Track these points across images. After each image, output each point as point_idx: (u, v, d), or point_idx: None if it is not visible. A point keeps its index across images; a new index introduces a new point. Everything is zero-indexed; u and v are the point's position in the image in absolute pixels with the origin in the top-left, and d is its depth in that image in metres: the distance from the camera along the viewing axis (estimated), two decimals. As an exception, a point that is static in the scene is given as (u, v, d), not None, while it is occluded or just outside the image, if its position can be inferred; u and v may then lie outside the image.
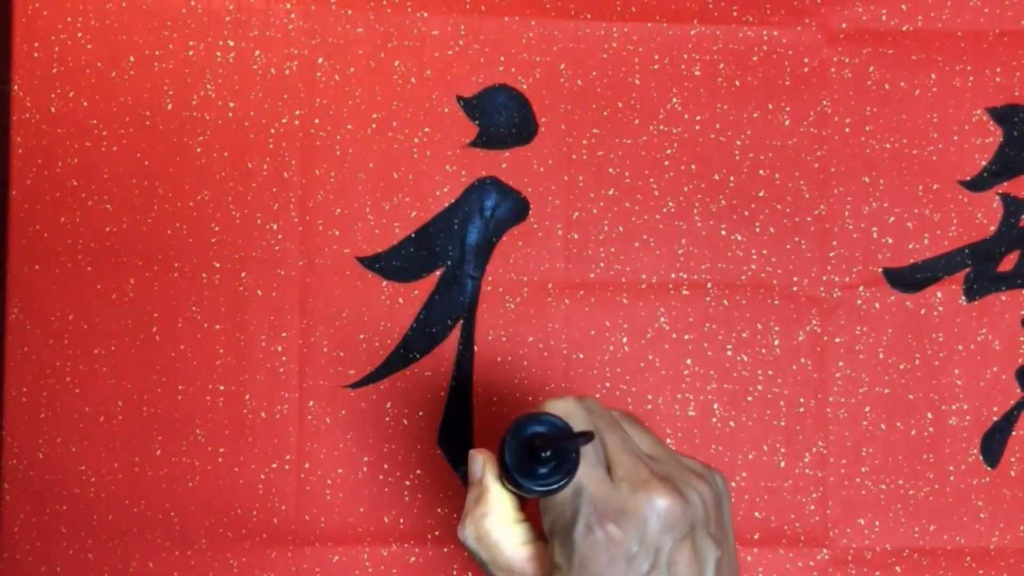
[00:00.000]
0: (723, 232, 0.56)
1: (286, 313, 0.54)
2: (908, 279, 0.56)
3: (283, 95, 0.55)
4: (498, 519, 0.38)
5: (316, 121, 0.55)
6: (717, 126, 0.56)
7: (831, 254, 0.56)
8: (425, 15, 0.55)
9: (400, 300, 0.55)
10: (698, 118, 0.56)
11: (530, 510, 0.39)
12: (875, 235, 0.56)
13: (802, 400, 0.55)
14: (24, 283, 0.54)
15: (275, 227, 0.55)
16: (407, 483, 0.55)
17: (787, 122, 0.56)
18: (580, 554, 0.35)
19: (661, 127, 0.56)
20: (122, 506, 0.54)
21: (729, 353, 0.55)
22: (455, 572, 0.55)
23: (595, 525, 0.35)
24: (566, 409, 0.37)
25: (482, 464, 0.39)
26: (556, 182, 0.55)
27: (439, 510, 0.55)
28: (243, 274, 0.54)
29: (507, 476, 0.35)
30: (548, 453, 0.34)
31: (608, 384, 0.55)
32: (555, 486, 0.34)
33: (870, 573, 0.55)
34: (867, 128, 0.56)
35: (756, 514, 0.55)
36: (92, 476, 0.54)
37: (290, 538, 0.54)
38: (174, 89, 0.54)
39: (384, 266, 0.55)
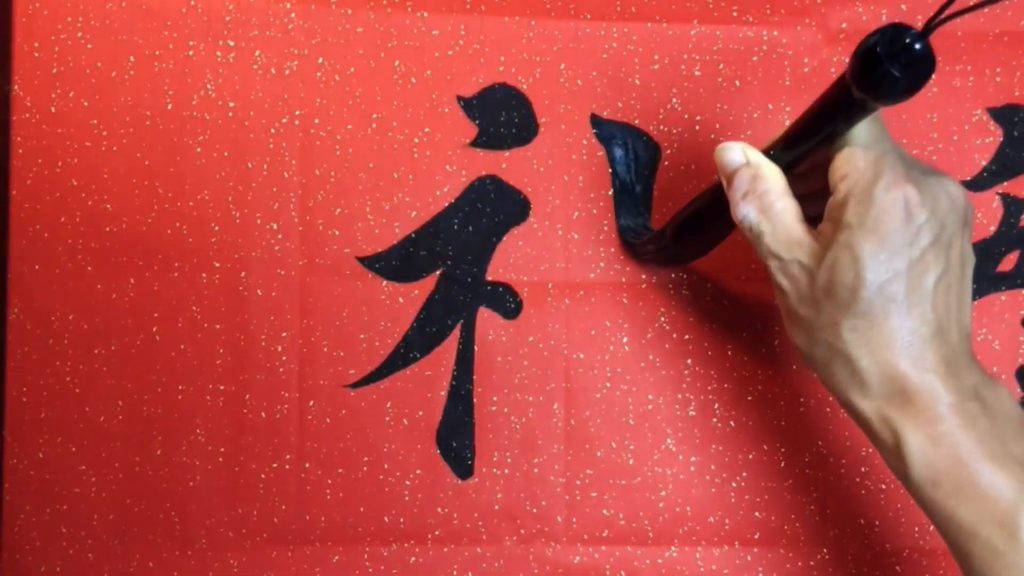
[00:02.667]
0: (723, 232, 0.56)
1: (286, 313, 0.54)
2: (908, 279, 0.56)
3: (283, 95, 0.55)
4: (779, 192, 0.40)
5: (316, 121, 0.55)
6: (717, 126, 0.56)
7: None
8: (425, 15, 0.55)
9: (400, 300, 0.55)
10: (698, 118, 0.56)
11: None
12: (875, 235, 0.56)
13: (802, 400, 0.55)
14: (24, 283, 0.54)
15: (275, 227, 0.55)
16: (407, 483, 0.55)
17: (787, 122, 0.56)
18: (878, 209, 0.36)
19: (661, 127, 0.56)
20: (122, 506, 0.54)
21: (729, 353, 0.55)
22: (455, 572, 0.55)
23: (895, 186, 0.36)
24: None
25: (742, 149, 0.42)
26: (556, 182, 0.55)
27: (439, 510, 0.55)
28: (243, 274, 0.54)
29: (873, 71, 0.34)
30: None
31: (608, 384, 0.55)
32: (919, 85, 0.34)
33: (870, 573, 0.55)
34: (867, 128, 0.56)
35: (756, 514, 0.55)
36: (92, 476, 0.54)
37: (290, 538, 0.54)
38: (174, 89, 0.54)
39: (384, 266, 0.55)
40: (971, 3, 0.35)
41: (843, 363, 0.39)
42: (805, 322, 0.40)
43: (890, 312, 0.37)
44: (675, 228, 0.49)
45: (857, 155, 0.38)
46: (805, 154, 0.41)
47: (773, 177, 0.41)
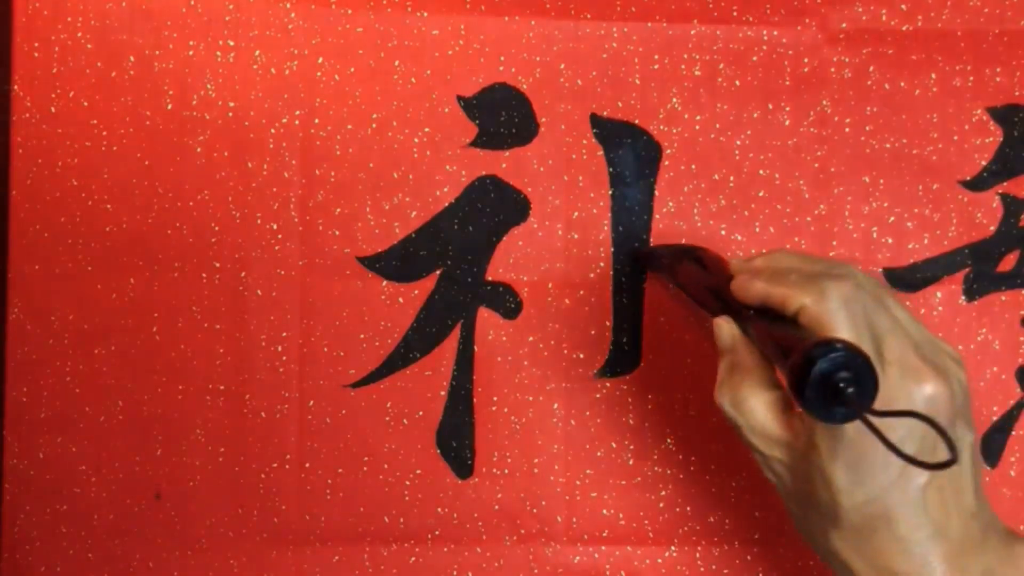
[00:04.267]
0: (723, 232, 0.56)
1: (286, 313, 0.54)
2: (908, 279, 0.56)
3: (283, 95, 0.55)
4: (753, 385, 0.38)
5: (316, 121, 0.55)
6: (717, 126, 0.56)
7: (831, 254, 0.56)
8: (425, 15, 0.55)
9: (400, 300, 0.55)
10: (698, 118, 0.56)
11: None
12: (875, 235, 0.56)
13: (802, 400, 0.55)
14: (24, 283, 0.54)
15: (275, 227, 0.55)
16: (407, 483, 0.55)
17: (787, 122, 0.56)
18: (848, 437, 0.33)
19: (661, 127, 0.56)
20: (122, 506, 0.54)
21: (729, 353, 0.55)
22: (455, 572, 0.55)
23: None
24: (836, 309, 0.34)
25: (730, 333, 0.40)
26: (556, 182, 0.55)
27: (439, 510, 0.55)
28: (243, 274, 0.54)
29: (801, 402, 0.31)
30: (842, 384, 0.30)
31: (608, 384, 0.55)
32: (849, 419, 0.31)
33: (870, 573, 0.55)
34: (867, 128, 0.56)
35: (756, 514, 0.55)
36: (92, 476, 0.54)
37: (290, 538, 0.54)
38: (174, 89, 0.54)
39: (384, 266, 0.55)
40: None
41: (839, 565, 0.37)
42: (796, 517, 0.39)
43: (877, 528, 0.35)
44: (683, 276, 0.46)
45: None
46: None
47: (750, 368, 0.38)
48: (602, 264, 0.55)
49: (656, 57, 0.56)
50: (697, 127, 0.56)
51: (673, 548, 0.55)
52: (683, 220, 0.56)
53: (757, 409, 0.38)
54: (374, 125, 0.55)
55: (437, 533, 0.55)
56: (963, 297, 0.56)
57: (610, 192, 0.56)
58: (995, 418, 0.55)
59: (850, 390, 0.30)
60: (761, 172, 0.56)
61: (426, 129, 0.55)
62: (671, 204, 0.56)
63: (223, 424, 0.54)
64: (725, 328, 0.40)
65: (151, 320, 0.54)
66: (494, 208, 0.55)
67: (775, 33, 0.56)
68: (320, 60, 0.55)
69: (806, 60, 0.56)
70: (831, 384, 0.30)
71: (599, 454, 0.55)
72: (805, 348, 0.31)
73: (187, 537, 0.54)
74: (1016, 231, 0.56)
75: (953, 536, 0.35)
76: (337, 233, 0.55)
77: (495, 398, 0.55)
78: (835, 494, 0.35)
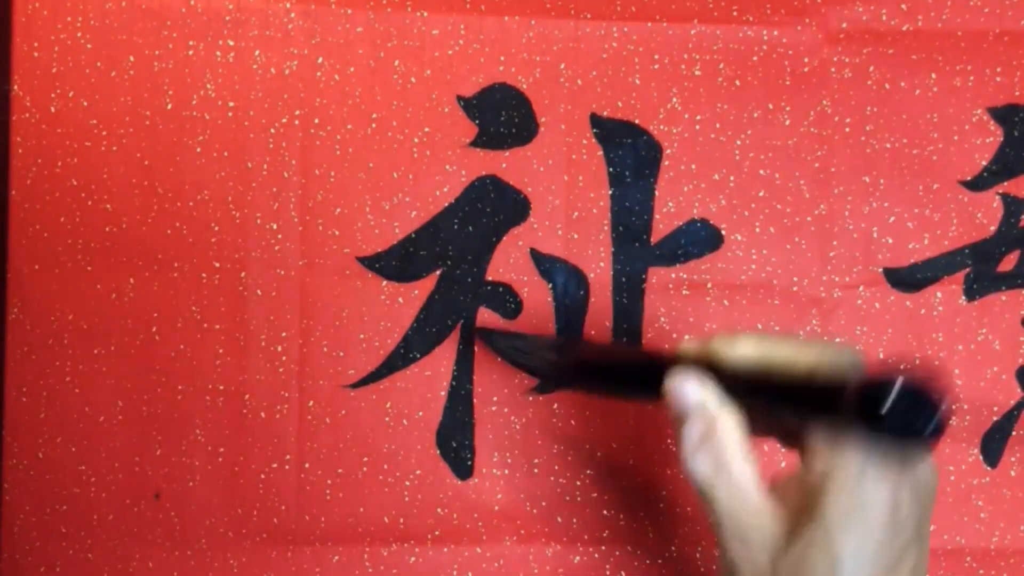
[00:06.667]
0: (723, 232, 0.56)
1: (286, 313, 0.54)
2: (908, 279, 0.56)
3: (283, 95, 0.55)
4: (736, 451, 0.35)
5: (316, 121, 0.55)
6: (717, 126, 0.56)
7: (831, 254, 0.56)
8: (425, 15, 0.55)
9: (400, 300, 0.55)
10: (698, 118, 0.56)
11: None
12: (875, 235, 0.56)
13: (802, 400, 0.55)
14: (24, 283, 0.54)
15: (275, 227, 0.55)
16: (407, 483, 0.55)
17: (787, 122, 0.56)
18: (865, 504, 0.32)
19: (661, 127, 0.56)
20: (122, 506, 0.54)
21: (729, 353, 0.55)
22: (455, 572, 0.55)
23: (886, 477, 0.32)
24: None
25: (699, 387, 0.36)
26: (556, 182, 0.55)
27: (439, 510, 0.55)
28: (243, 274, 0.54)
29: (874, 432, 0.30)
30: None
31: (608, 384, 0.55)
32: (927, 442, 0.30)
33: (870, 573, 0.55)
34: (867, 128, 0.56)
35: (756, 514, 0.55)
36: (92, 476, 0.54)
37: (290, 538, 0.54)
38: (174, 89, 0.54)
39: (384, 266, 0.55)
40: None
41: None
42: None
43: None
44: (580, 367, 0.47)
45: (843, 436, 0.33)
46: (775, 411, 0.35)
47: (732, 432, 0.35)
48: (602, 264, 0.55)
49: (656, 57, 0.56)
50: (697, 127, 0.56)
51: (673, 548, 0.55)
52: (683, 220, 0.56)
53: (743, 477, 0.34)
54: (374, 125, 0.55)
55: (437, 533, 0.55)
56: (963, 297, 0.56)
57: (610, 192, 0.56)
58: (995, 418, 0.55)
59: (932, 411, 0.30)
60: (761, 172, 0.56)
61: (426, 129, 0.55)
62: (671, 204, 0.56)
63: (223, 424, 0.54)
64: (693, 381, 0.36)
65: (151, 320, 0.54)
66: (494, 208, 0.55)
67: (775, 33, 0.56)
68: (320, 60, 0.55)
69: (806, 60, 0.56)
70: (908, 408, 0.30)
71: (599, 454, 0.55)
72: (869, 381, 0.30)
73: (187, 537, 0.54)
74: (1016, 231, 0.56)
75: None
76: (337, 233, 0.55)
77: (495, 398, 0.55)
78: (840, 573, 0.32)
